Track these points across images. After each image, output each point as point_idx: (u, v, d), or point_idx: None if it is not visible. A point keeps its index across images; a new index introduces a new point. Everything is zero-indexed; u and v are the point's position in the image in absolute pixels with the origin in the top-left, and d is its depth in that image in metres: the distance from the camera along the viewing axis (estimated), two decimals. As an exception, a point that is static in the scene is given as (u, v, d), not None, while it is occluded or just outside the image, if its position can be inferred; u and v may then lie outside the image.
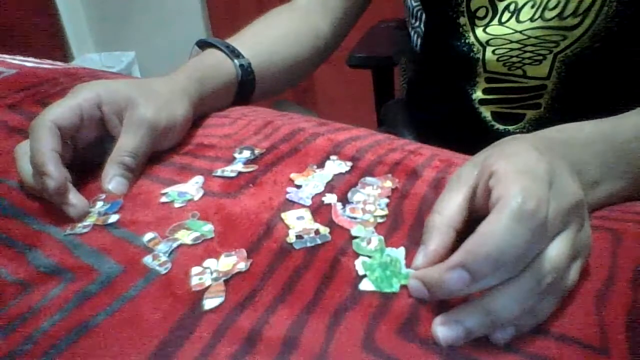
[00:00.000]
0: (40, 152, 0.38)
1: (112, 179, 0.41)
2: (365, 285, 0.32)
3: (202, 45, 0.59)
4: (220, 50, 0.57)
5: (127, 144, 0.43)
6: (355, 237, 0.36)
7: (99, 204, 0.40)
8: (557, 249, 0.27)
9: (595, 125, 0.37)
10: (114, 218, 0.39)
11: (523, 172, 0.27)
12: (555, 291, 0.28)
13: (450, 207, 0.31)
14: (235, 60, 0.56)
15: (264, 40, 0.63)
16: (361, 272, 0.33)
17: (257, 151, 0.47)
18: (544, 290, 0.27)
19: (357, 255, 0.34)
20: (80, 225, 0.38)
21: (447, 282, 0.27)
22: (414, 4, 0.95)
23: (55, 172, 0.38)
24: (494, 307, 0.26)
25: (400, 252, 0.34)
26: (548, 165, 0.28)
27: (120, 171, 0.42)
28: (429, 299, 0.30)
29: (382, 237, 0.35)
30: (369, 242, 0.35)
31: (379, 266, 0.33)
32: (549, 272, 0.27)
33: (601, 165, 0.35)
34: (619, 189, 0.36)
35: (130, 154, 0.42)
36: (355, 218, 0.38)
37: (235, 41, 0.60)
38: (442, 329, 0.28)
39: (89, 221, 0.39)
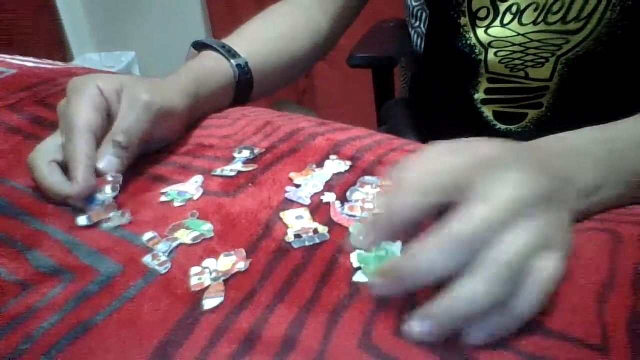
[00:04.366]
0: (75, 160, 0.39)
1: (104, 158, 0.41)
2: (359, 277, 0.32)
3: (199, 46, 0.59)
4: (217, 51, 0.57)
5: (122, 122, 0.42)
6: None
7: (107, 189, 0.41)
8: (517, 235, 0.26)
9: (593, 133, 0.36)
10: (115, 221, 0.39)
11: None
12: (528, 285, 0.27)
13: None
14: (232, 61, 0.56)
15: (262, 38, 0.63)
16: (356, 265, 0.33)
17: (256, 151, 0.47)
18: (511, 282, 0.26)
19: (354, 251, 0.34)
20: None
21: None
22: (414, 4, 0.95)
23: (83, 179, 0.39)
24: (457, 298, 0.26)
25: (397, 247, 0.34)
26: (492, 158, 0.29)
27: (112, 150, 0.42)
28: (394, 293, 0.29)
29: None
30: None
31: (375, 259, 0.33)
32: (507, 259, 0.26)
33: (598, 173, 0.34)
34: (618, 197, 0.36)
35: (123, 132, 0.42)
36: (354, 216, 0.38)
37: (232, 39, 0.60)
38: (412, 324, 0.27)
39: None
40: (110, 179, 0.41)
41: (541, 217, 0.28)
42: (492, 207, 0.27)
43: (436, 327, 0.27)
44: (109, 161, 0.41)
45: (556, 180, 0.31)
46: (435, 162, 0.29)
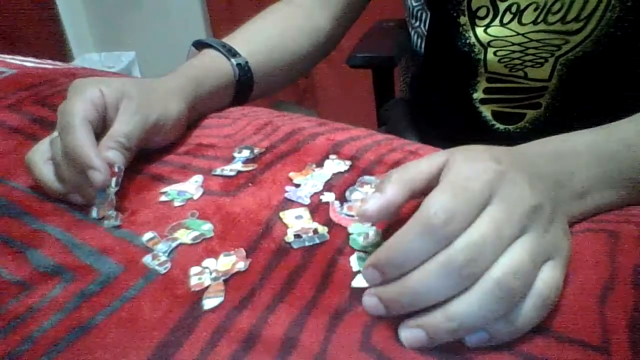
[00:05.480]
0: (83, 148, 0.39)
1: (109, 150, 0.41)
2: (359, 282, 0.32)
3: (199, 45, 0.59)
4: (217, 50, 0.57)
5: (121, 127, 0.42)
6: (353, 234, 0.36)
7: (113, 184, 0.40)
8: (514, 253, 0.27)
9: (584, 136, 0.36)
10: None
11: (455, 185, 0.28)
12: (531, 296, 0.27)
13: (414, 169, 0.31)
14: (232, 60, 0.56)
15: (262, 38, 0.63)
16: (355, 268, 0.33)
17: (256, 150, 0.47)
18: (505, 300, 0.26)
19: (353, 252, 0.34)
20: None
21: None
22: (414, 4, 0.95)
23: (102, 165, 0.39)
24: (455, 311, 0.26)
25: None
26: (493, 176, 0.28)
27: (116, 146, 0.41)
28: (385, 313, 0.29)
29: (379, 230, 0.35)
30: (366, 238, 0.35)
31: None
32: (507, 275, 0.26)
33: (589, 176, 0.34)
34: (610, 199, 0.35)
35: (125, 136, 0.42)
36: (353, 216, 0.38)
37: (233, 39, 0.60)
38: (404, 332, 0.28)
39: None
40: (116, 169, 0.40)
41: (538, 228, 0.28)
42: (487, 229, 0.26)
43: (428, 339, 0.27)
44: (115, 153, 0.41)
45: (548, 187, 0.31)
46: (451, 201, 0.27)
